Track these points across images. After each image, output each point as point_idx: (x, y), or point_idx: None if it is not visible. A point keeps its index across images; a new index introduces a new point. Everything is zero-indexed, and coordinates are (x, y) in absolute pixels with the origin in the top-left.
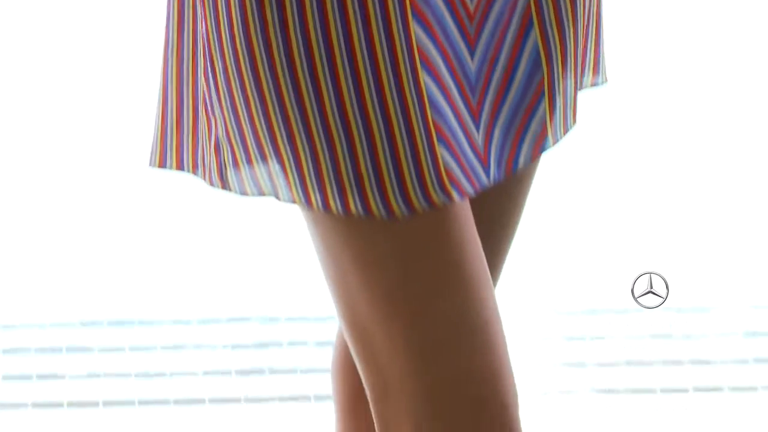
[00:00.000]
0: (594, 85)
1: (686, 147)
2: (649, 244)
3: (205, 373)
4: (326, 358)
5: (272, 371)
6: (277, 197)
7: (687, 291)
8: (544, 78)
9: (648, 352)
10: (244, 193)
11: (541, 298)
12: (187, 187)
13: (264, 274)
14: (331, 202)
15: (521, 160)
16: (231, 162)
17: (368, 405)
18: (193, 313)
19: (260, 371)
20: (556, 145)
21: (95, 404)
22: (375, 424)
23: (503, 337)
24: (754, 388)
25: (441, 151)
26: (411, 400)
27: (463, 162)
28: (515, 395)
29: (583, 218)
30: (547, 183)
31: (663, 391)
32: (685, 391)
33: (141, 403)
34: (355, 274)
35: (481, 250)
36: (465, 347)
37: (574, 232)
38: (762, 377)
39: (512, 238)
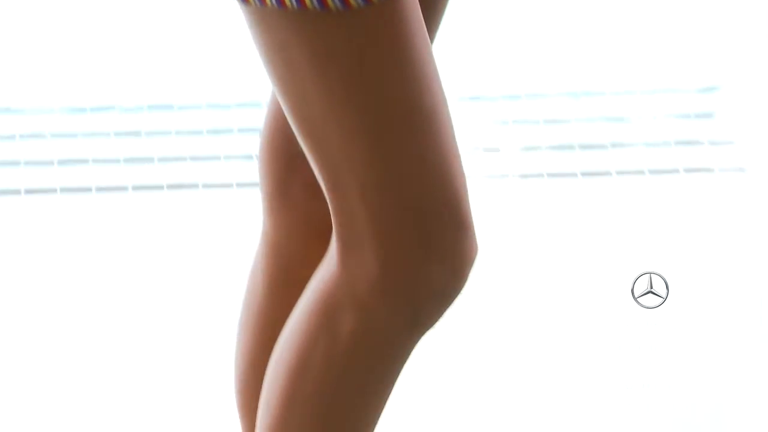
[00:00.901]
0: None
1: None
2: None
3: (125, 159)
4: (251, 145)
5: (194, 158)
6: None
7: (609, 72)
8: None
9: (570, 136)
10: None
11: (465, 83)
12: None
13: (182, 60)
14: None
15: None
16: None
17: (297, 194)
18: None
19: (182, 159)
20: None
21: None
22: (331, 214)
23: (452, 125)
24: (675, 171)
25: None
26: (363, 190)
27: None
28: (464, 181)
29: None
30: None
31: (584, 174)
32: (608, 174)
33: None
34: (309, 69)
35: (428, 36)
36: (416, 136)
37: (491, 21)
38: (684, 159)
39: (441, 23)
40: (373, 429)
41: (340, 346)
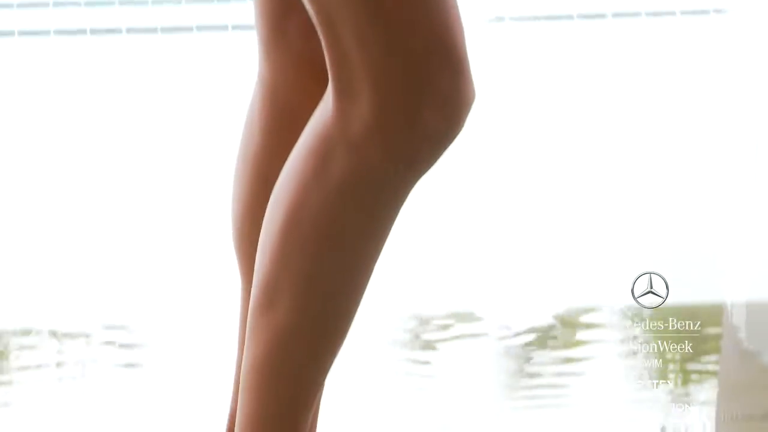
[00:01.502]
0: None
1: None
2: None
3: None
4: None
5: (188, 0)
6: None
7: None
8: None
9: None
10: None
11: None
12: None
13: None
14: None
15: None
16: None
17: (293, 36)
18: None
19: (176, 0)
20: None
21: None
22: (326, 57)
23: None
24: (672, 13)
25: None
26: (357, 33)
27: None
28: (462, 26)
29: None
30: None
31: (580, 17)
32: (603, 16)
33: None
34: None
35: None
36: None
37: None
38: (679, 3)
39: None
40: (370, 272)
41: (335, 188)
